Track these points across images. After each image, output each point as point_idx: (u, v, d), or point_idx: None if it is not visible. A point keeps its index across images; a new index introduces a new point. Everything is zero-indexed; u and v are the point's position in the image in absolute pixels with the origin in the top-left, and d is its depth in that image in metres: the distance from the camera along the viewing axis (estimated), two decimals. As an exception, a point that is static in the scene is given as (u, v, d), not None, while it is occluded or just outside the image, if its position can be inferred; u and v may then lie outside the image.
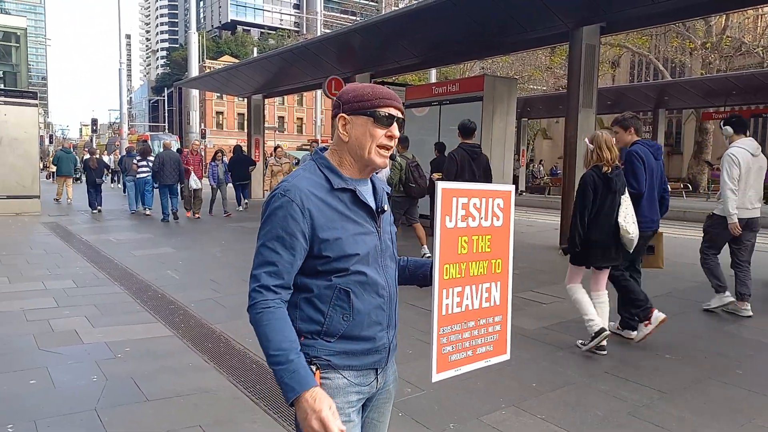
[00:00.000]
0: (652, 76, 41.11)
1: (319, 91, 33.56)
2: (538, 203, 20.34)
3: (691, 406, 3.55)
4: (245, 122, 24.49)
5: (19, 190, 13.59)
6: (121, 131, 37.54)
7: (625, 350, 4.62)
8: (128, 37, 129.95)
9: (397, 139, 1.60)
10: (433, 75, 23.20)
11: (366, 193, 1.60)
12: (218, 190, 14.50)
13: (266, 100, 21.87)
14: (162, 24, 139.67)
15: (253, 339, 4.99)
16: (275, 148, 13.32)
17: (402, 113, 1.61)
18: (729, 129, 5.67)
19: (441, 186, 1.59)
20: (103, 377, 3.83)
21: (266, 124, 23.14)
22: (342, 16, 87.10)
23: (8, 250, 8.70)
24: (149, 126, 79.77)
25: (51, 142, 46.65)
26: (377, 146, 1.56)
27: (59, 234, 10.63)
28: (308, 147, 26.17)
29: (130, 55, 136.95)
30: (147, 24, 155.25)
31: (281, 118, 67.30)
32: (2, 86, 14.94)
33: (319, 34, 41.44)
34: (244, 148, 19.42)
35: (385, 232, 1.63)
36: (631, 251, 4.55)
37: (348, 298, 1.52)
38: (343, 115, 1.57)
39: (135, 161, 14.74)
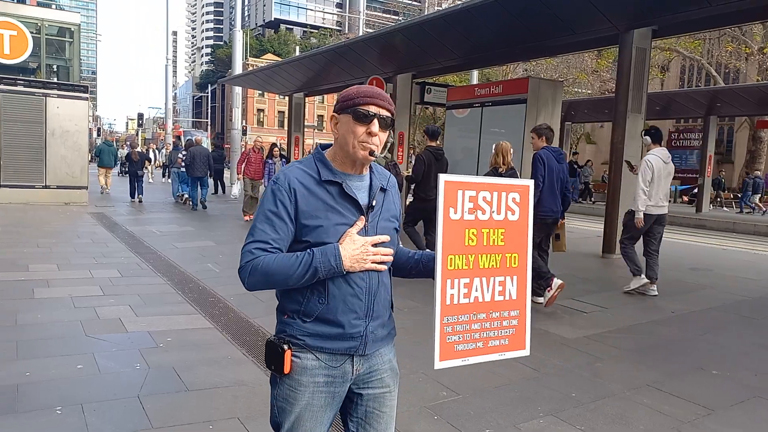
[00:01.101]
0: (704, 81, 39.89)
1: (359, 91, 33.59)
2: (579, 209, 19.97)
3: (738, 424, 3.42)
4: (285, 120, 24.80)
5: (68, 180, 14.06)
6: (166, 126, 38.55)
7: (668, 364, 4.48)
8: (174, 33, 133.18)
9: (378, 137, 1.66)
10: (474, 76, 23.01)
11: (358, 188, 1.70)
12: None
13: (307, 99, 22.08)
14: (207, 21, 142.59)
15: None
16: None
17: (389, 111, 1.67)
18: (648, 139, 6.66)
19: (444, 178, 1.62)
20: (146, 365, 3.93)
21: (306, 123, 23.39)
22: (384, 15, 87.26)
23: (58, 239, 9.01)
24: (192, 122, 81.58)
25: (99, 135, 48.12)
26: (359, 142, 1.64)
27: (105, 224, 10.95)
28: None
29: (176, 51, 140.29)
30: (193, 21, 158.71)
31: (320, 116, 67.91)
32: (56, 80, 15.41)
33: (361, 33, 41.64)
34: (283, 145, 19.74)
35: (377, 227, 1.70)
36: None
37: (324, 282, 1.63)
38: (334, 114, 1.71)
39: (180, 155, 15.90)
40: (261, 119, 67.85)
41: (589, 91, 32.74)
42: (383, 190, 1.76)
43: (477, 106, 11.77)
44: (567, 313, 5.80)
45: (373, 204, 1.71)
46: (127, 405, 3.30)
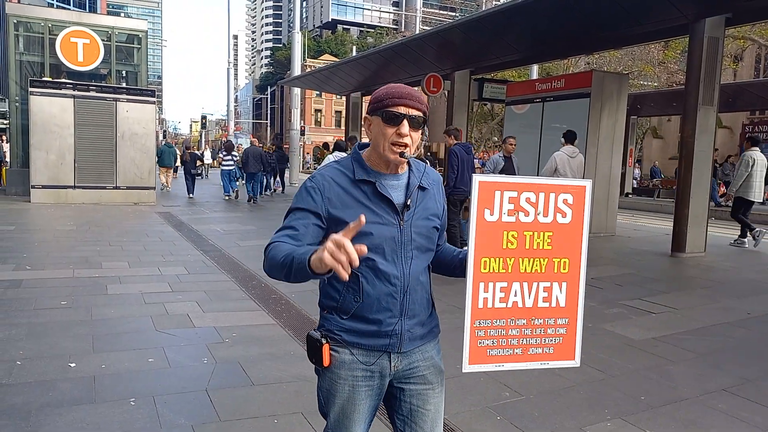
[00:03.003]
0: (780, 71, 37.57)
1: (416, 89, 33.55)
2: (646, 206, 19.24)
3: (826, 435, 3.21)
4: (342, 119, 25.07)
5: (137, 181, 14.72)
6: (228, 128, 39.71)
7: (745, 368, 4.25)
8: (235, 37, 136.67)
9: (409, 137, 1.64)
10: (534, 71, 22.57)
11: (393, 187, 1.69)
12: None
13: (364, 98, 22.25)
14: (267, 24, 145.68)
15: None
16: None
17: (419, 110, 1.64)
18: (563, 139, 8.47)
19: (478, 179, 1.57)
20: (213, 360, 4.05)
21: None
22: (441, 12, 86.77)
23: (128, 237, 9.43)
24: (252, 123, 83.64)
25: (164, 137, 50.03)
26: (390, 144, 1.63)
27: (172, 223, 11.38)
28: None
29: (236, 54, 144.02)
30: (253, 24, 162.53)
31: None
32: (125, 85, 16.13)
33: (417, 31, 41.52)
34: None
35: (413, 226, 1.68)
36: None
37: (358, 281, 1.64)
38: (367, 116, 1.71)
39: (221, 155, 17.53)
40: (318, 119, 68.82)
41: (655, 84, 31.47)
42: (422, 188, 1.74)
43: (538, 101, 11.54)
44: (634, 314, 5.60)
45: (408, 203, 1.69)
46: (195, 398, 3.42)
